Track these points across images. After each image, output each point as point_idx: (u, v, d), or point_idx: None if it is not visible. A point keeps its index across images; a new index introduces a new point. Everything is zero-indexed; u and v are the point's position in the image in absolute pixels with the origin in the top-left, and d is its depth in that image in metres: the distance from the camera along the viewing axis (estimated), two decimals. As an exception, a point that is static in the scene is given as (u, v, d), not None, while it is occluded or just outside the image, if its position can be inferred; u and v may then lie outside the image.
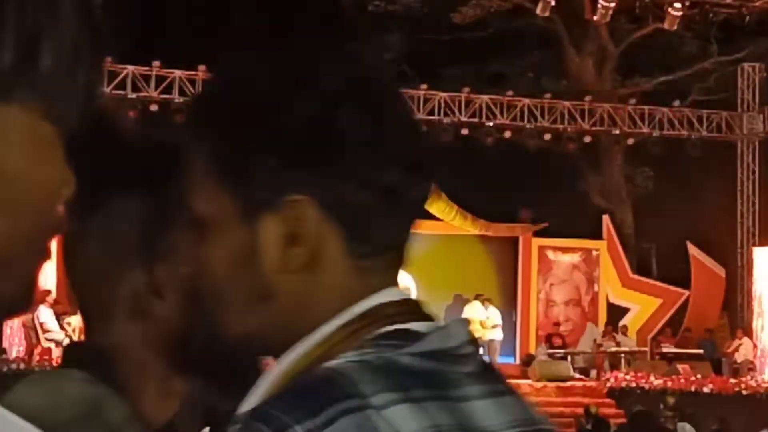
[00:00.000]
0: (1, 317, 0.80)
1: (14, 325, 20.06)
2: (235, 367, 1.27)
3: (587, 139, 23.76)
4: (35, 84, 0.74)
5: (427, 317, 1.08)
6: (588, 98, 23.90)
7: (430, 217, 22.86)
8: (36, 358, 18.40)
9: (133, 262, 1.27)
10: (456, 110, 23.01)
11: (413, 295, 1.15)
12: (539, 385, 20.26)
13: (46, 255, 0.78)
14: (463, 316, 21.85)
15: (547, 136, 23.46)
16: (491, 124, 23.19)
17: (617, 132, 23.93)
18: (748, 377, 21.11)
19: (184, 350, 1.27)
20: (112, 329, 1.27)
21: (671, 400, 14.17)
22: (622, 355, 21.96)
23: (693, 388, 19.53)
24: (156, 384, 1.27)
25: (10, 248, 0.74)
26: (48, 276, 20.74)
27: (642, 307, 24.24)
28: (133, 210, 1.29)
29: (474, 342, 1.09)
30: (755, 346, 22.54)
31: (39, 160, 0.75)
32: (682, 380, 20.00)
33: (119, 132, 1.33)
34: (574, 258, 24.30)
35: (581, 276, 24.28)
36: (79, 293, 1.31)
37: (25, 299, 0.77)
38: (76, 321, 19.38)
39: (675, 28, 22.50)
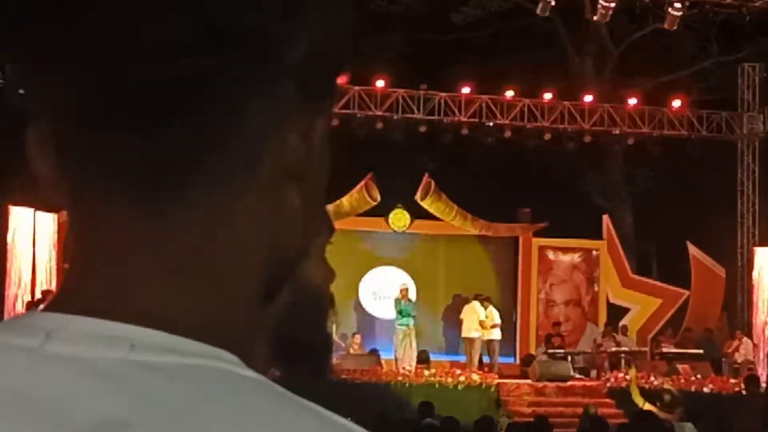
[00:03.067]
0: None
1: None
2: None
3: (587, 139, 23.76)
4: None
5: None
6: (588, 98, 23.91)
7: (430, 217, 22.88)
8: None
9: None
10: (456, 110, 23.01)
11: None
12: (539, 385, 20.26)
13: None
14: (462, 316, 21.91)
15: (547, 136, 23.47)
16: (491, 124, 23.19)
17: (617, 132, 23.93)
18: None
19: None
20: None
21: (668, 397, 14.18)
22: (622, 355, 21.96)
23: (693, 388, 19.52)
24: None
25: None
26: (49, 275, 20.75)
27: (642, 307, 24.24)
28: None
29: None
30: (755, 345, 22.54)
31: None
32: (682, 380, 20.00)
33: None
34: (574, 258, 24.29)
35: (581, 276, 24.28)
36: None
37: None
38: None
39: (675, 28, 22.50)
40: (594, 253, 24.39)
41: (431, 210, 22.71)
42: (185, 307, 0.66)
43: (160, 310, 0.65)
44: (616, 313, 24.06)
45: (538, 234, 23.93)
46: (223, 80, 0.65)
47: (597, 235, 24.61)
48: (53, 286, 20.57)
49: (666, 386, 15.81)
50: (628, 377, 19.19)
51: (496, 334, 21.72)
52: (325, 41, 0.68)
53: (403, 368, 19.89)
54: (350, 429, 0.64)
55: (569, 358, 22.01)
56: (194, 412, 0.60)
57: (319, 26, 0.67)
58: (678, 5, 21.90)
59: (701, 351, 22.32)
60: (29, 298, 19.92)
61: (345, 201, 21.66)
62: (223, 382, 0.62)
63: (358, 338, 21.58)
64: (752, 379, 18.37)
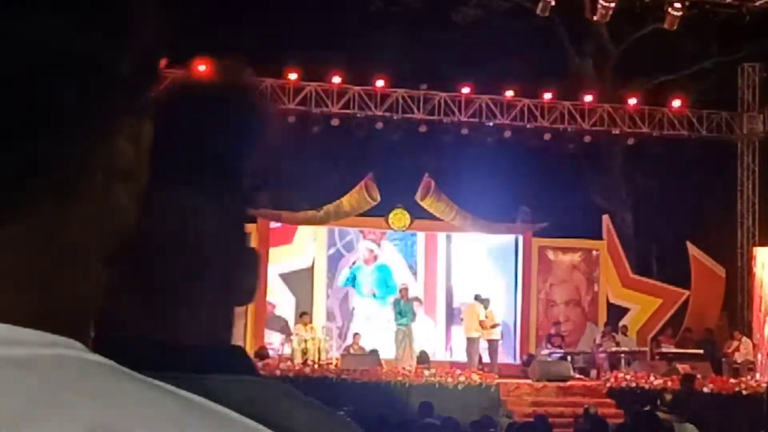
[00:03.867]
0: None
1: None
2: None
3: (587, 139, 23.77)
4: None
5: None
6: (588, 98, 23.90)
7: (431, 217, 22.88)
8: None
9: None
10: (456, 110, 23.01)
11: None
12: (539, 385, 20.26)
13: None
14: (462, 316, 21.91)
15: (547, 136, 23.47)
16: (491, 124, 23.20)
17: (617, 132, 23.93)
18: (748, 377, 21.12)
19: None
20: None
21: (668, 397, 14.18)
22: (622, 355, 21.96)
23: (693, 388, 19.52)
24: None
25: None
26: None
27: (642, 307, 24.25)
28: None
29: None
30: (755, 345, 22.54)
31: None
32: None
33: None
34: (574, 258, 24.30)
35: (581, 276, 24.28)
36: None
37: None
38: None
39: (675, 28, 22.50)
40: (594, 253, 24.39)
41: (431, 210, 22.70)
42: (23, 304, 0.70)
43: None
44: (616, 313, 24.06)
45: (538, 234, 23.93)
46: (56, 99, 0.71)
47: (597, 235, 24.61)
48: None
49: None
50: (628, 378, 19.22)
51: (496, 334, 21.72)
52: (144, 58, 0.76)
53: (403, 368, 19.89)
54: (199, 403, 0.68)
55: (569, 358, 22.02)
56: (53, 399, 0.64)
57: (139, 46, 0.75)
58: (678, 5, 21.91)
59: (701, 351, 22.34)
60: None
61: (345, 201, 21.67)
62: (74, 367, 0.67)
63: (358, 338, 21.57)
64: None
